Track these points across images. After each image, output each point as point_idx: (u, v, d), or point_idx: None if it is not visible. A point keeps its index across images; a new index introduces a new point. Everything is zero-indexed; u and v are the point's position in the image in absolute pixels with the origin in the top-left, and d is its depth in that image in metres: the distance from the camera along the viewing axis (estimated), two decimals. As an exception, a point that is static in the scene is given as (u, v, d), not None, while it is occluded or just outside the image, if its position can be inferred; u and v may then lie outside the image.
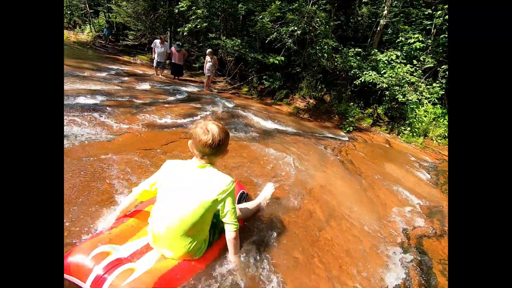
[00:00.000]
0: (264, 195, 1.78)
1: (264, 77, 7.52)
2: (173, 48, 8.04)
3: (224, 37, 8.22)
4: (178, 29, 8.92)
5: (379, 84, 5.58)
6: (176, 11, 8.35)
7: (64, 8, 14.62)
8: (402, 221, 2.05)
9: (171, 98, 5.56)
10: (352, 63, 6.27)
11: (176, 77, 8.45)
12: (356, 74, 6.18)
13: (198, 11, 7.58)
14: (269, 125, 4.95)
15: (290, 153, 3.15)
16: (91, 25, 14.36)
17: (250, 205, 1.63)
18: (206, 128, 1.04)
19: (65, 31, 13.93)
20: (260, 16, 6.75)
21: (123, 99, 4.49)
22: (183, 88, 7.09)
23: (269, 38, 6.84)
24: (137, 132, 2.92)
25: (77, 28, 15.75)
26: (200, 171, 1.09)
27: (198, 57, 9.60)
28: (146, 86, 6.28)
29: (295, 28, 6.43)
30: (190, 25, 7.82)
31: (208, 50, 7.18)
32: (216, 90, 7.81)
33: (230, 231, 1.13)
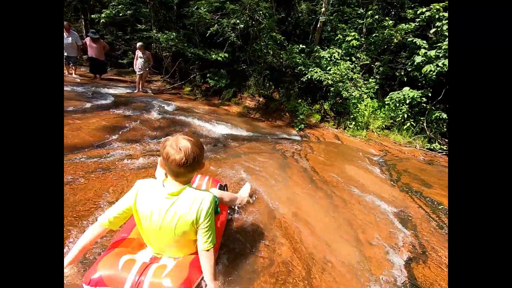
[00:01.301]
0: (243, 193, 1.90)
1: (208, 75, 6.72)
2: (87, 39, 6.36)
3: (156, 30, 6.99)
4: (93, 16, 7.13)
5: (324, 81, 5.57)
6: (89, -7, 6.62)
7: None
8: (383, 242, 1.78)
9: (88, 105, 4.26)
10: (298, 60, 6.13)
11: (98, 76, 6.79)
12: (302, 71, 6.07)
13: (118, -5, 6.15)
14: (220, 130, 4.31)
15: (249, 169, 2.61)
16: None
17: (232, 195, 1.69)
18: (178, 146, 0.94)
19: None
20: (195, 7, 5.89)
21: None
22: (109, 91, 5.67)
23: (209, 31, 6.06)
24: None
25: None
26: (175, 198, 1.00)
27: (126, 51, 8.00)
28: (49, 89, 4.68)
29: (237, 21, 5.85)
30: (108, 12, 6.29)
31: (139, 44, 5.90)
32: (151, 91, 6.60)
33: (206, 249, 1.04)
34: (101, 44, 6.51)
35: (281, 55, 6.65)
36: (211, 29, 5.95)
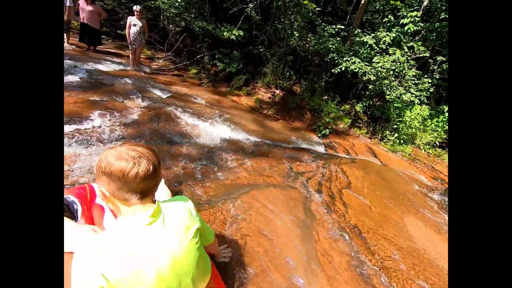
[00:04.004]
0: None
1: (217, 56, 5.39)
2: (81, 1, 5.15)
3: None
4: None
5: (365, 75, 4.10)
6: None
7: None
8: None
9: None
10: (330, 45, 4.64)
11: (91, 47, 5.64)
12: (335, 60, 4.60)
13: None
14: (219, 132, 3.08)
15: (245, 240, 1.39)
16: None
17: None
18: (131, 155, 0.65)
19: None
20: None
21: None
22: (95, 65, 4.53)
23: (226, 3, 4.64)
24: None
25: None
26: (161, 217, 0.70)
27: (129, 21, 6.75)
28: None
29: (259, -13, 4.39)
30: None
31: (136, 7, 4.61)
32: (150, 70, 5.40)
33: (212, 240, 0.95)
34: (96, 8, 5.30)
35: (308, 38, 5.16)
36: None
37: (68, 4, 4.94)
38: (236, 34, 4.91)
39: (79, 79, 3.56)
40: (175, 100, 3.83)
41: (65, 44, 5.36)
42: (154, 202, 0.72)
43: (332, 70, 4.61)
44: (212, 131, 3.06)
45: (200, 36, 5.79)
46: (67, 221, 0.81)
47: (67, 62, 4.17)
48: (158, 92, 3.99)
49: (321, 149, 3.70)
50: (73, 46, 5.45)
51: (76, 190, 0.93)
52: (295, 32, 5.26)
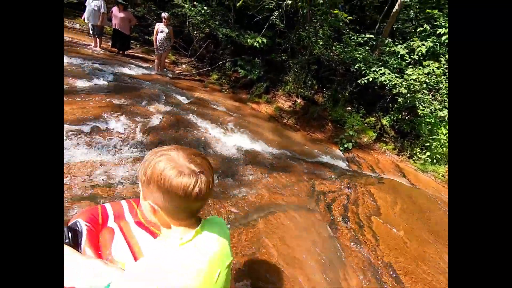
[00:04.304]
0: None
1: (238, 62, 5.37)
2: (114, 8, 5.41)
3: (189, 4, 5.76)
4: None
5: (395, 88, 3.81)
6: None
7: None
8: None
9: (80, 85, 3.24)
10: (357, 55, 4.41)
11: (120, 51, 5.88)
12: (361, 70, 4.35)
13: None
14: (236, 142, 2.98)
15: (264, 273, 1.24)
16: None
17: None
18: (194, 171, 0.54)
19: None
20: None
21: None
22: (122, 69, 4.69)
23: (252, 11, 4.62)
24: None
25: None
26: (199, 239, 0.61)
27: (156, 27, 7.00)
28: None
29: (285, -5, 4.31)
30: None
31: (164, 14, 4.75)
32: (172, 75, 5.50)
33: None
34: (128, 15, 5.53)
35: (334, 47, 4.96)
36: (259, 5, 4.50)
37: (102, 10, 5.20)
38: (260, 41, 4.85)
39: (105, 82, 3.67)
40: (195, 106, 3.81)
41: (97, 48, 5.63)
42: (197, 221, 0.65)
43: (359, 81, 4.37)
44: (231, 140, 2.97)
45: (223, 43, 5.82)
46: (70, 252, 0.71)
47: (96, 65, 4.34)
48: (179, 97, 4.00)
49: (343, 164, 3.46)
50: (104, 51, 5.72)
51: (87, 213, 0.85)
52: (319, 41, 5.09)
